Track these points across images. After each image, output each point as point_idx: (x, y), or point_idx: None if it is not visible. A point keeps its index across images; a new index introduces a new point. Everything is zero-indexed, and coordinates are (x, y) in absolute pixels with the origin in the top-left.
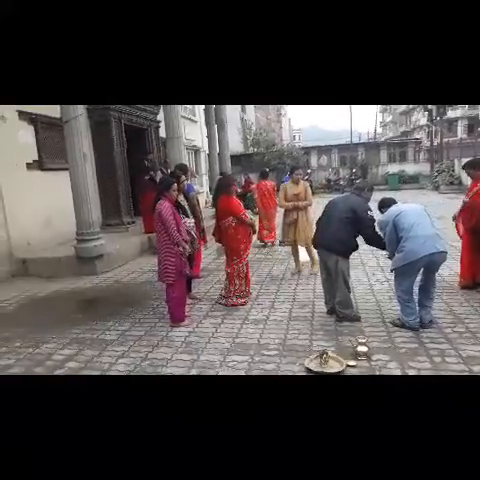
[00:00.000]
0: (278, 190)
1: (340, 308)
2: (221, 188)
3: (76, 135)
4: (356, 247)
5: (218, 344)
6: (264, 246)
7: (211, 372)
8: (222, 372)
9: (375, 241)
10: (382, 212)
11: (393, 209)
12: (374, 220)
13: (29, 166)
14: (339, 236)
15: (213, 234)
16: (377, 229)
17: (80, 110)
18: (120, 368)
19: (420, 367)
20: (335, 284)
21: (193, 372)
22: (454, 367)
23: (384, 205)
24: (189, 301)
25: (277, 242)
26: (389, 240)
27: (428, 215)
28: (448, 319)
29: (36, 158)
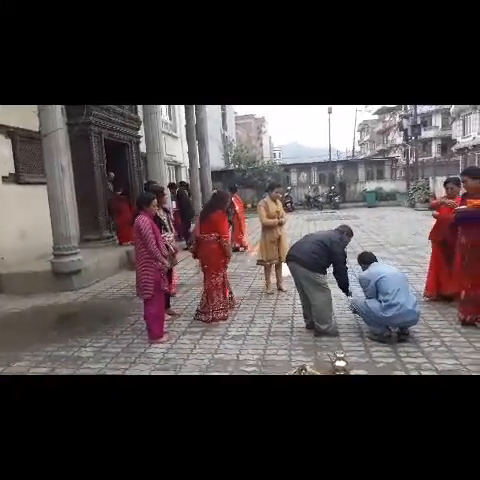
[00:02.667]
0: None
1: (318, 323)
2: (217, 203)
3: (55, 149)
4: (324, 270)
5: (197, 360)
6: (236, 250)
7: None
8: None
9: (342, 276)
10: (362, 267)
11: (375, 270)
12: (345, 256)
13: (5, 179)
14: (310, 254)
15: (190, 249)
16: (358, 284)
17: (59, 124)
18: None
19: None
20: (310, 299)
21: None
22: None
23: (364, 261)
24: (167, 317)
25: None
26: (368, 296)
27: (404, 277)
28: (424, 333)
29: (13, 171)
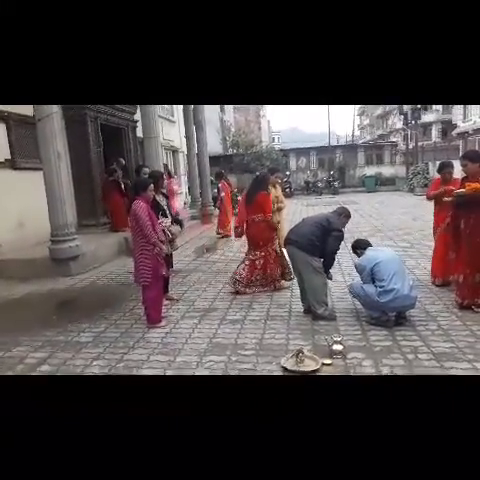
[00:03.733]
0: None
1: (314, 307)
2: (260, 185)
3: (50, 134)
4: (320, 255)
5: (195, 345)
6: (222, 237)
7: (188, 372)
8: (198, 372)
9: (330, 255)
10: (357, 253)
11: (370, 255)
12: (341, 236)
13: (1, 165)
14: (309, 237)
15: (237, 232)
16: (355, 269)
17: (54, 108)
18: (95, 370)
19: (394, 364)
20: (306, 283)
21: (169, 373)
22: (426, 363)
23: (359, 247)
24: (166, 302)
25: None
26: (365, 281)
27: (401, 261)
28: (421, 317)
29: (8, 157)
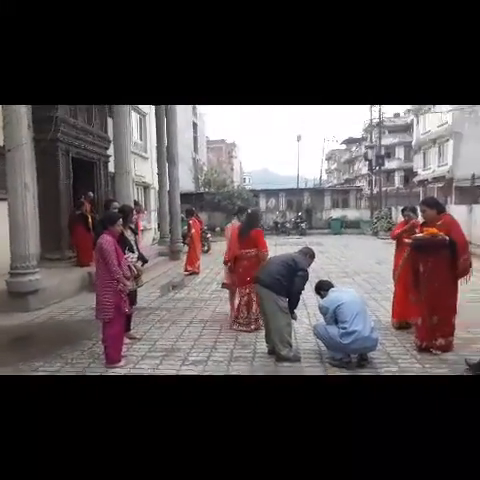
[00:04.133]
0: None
1: (278, 348)
2: (254, 221)
3: (19, 164)
4: (286, 294)
5: None
6: (190, 274)
7: None
8: None
9: (296, 295)
10: (321, 295)
11: (333, 297)
12: (307, 276)
13: None
14: (276, 276)
15: (228, 267)
16: (318, 311)
17: (24, 139)
18: None
19: None
20: (271, 323)
21: None
22: None
23: (322, 288)
24: (127, 341)
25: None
26: (328, 323)
27: (363, 302)
28: (382, 359)
29: None
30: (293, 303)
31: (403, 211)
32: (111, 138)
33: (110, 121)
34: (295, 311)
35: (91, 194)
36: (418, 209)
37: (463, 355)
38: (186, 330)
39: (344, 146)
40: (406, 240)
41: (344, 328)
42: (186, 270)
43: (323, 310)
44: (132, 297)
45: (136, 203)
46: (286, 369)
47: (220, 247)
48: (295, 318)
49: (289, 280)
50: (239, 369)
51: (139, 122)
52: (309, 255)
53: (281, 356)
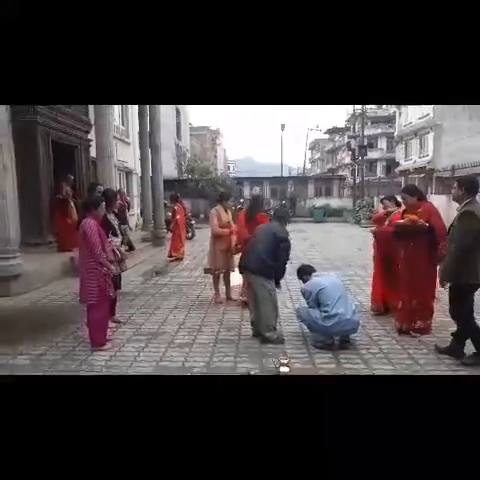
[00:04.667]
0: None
1: (263, 330)
2: (258, 205)
3: None
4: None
5: (140, 368)
6: (174, 260)
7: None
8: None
9: (282, 266)
10: (303, 279)
11: (315, 281)
12: (289, 245)
13: None
14: (261, 257)
15: (237, 249)
16: (301, 296)
17: (2, 121)
18: None
19: None
20: (261, 307)
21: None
22: None
23: (304, 273)
24: (112, 325)
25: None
26: (310, 306)
27: (344, 287)
28: (364, 341)
29: None
30: (279, 274)
31: (382, 201)
32: (92, 122)
33: (91, 105)
34: (280, 285)
35: (71, 177)
36: (398, 198)
37: (441, 337)
38: (171, 314)
39: (327, 136)
40: (386, 226)
41: (326, 311)
42: (170, 256)
43: (306, 294)
44: (116, 281)
45: (119, 190)
46: (270, 350)
47: (204, 234)
48: (280, 287)
49: (273, 256)
50: (224, 351)
51: (121, 106)
52: (285, 220)
53: (266, 338)
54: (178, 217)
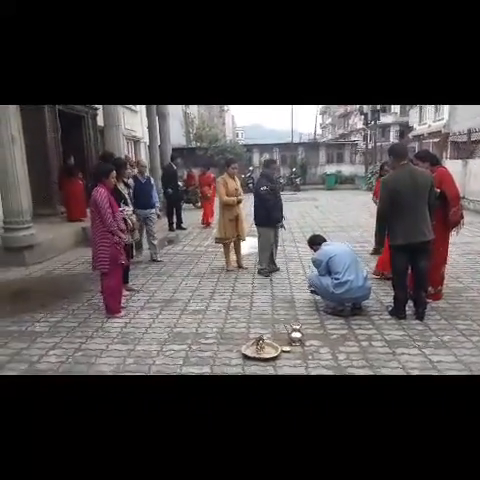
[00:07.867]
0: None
1: (260, 264)
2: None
3: (3, 117)
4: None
5: (155, 334)
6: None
7: (148, 361)
8: (159, 361)
9: (269, 209)
10: (314, 249)
11: (326, 250)
12: (265, 192)
13: None
14: (254, 210)
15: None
16: (312, 265)
17: None
18: (51, 360)
19: (349, 351)
20: (259, 247)
21: (129, 361)
22: (380, 350)
23: (315, 243)
24: (126, 293)
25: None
26: (321, 274)
27: (355, 254)
28: (376, 307)
29: None
30: (273, 216)
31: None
32: None
33: None
34: (283, 223)
35: (72, 160)
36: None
37: (453, 303)
38: (183, 282)
39: None
40: None
41: (337, 279)
42: (207, 223)
43: (317, 263)
44: (128, 250)
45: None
46: (282, 316)
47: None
48: (284, 227)
49: (260, 205)
50: (236, 317)
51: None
52: (271, 167)
53: (259, 270)
54: (206, 187)
